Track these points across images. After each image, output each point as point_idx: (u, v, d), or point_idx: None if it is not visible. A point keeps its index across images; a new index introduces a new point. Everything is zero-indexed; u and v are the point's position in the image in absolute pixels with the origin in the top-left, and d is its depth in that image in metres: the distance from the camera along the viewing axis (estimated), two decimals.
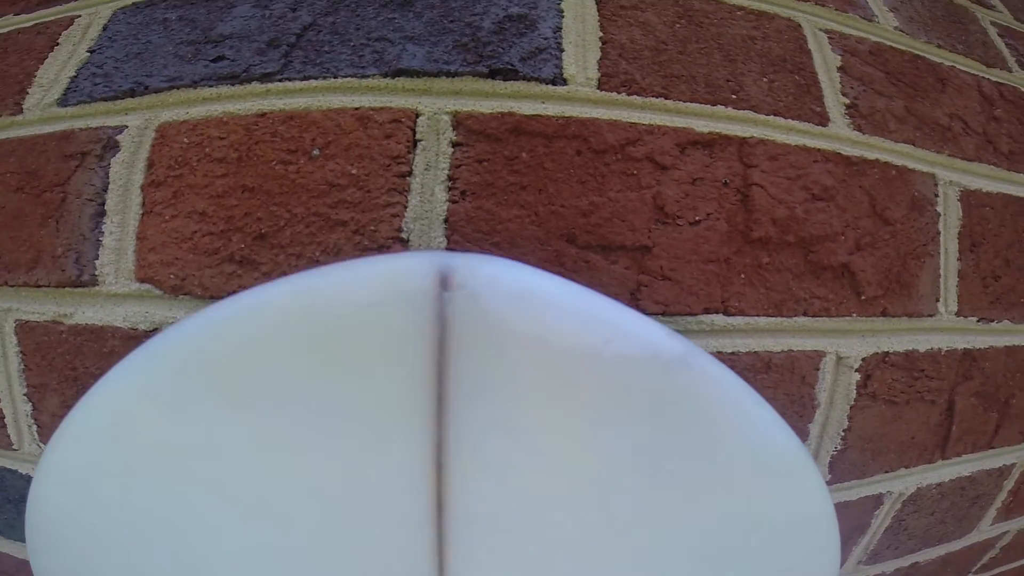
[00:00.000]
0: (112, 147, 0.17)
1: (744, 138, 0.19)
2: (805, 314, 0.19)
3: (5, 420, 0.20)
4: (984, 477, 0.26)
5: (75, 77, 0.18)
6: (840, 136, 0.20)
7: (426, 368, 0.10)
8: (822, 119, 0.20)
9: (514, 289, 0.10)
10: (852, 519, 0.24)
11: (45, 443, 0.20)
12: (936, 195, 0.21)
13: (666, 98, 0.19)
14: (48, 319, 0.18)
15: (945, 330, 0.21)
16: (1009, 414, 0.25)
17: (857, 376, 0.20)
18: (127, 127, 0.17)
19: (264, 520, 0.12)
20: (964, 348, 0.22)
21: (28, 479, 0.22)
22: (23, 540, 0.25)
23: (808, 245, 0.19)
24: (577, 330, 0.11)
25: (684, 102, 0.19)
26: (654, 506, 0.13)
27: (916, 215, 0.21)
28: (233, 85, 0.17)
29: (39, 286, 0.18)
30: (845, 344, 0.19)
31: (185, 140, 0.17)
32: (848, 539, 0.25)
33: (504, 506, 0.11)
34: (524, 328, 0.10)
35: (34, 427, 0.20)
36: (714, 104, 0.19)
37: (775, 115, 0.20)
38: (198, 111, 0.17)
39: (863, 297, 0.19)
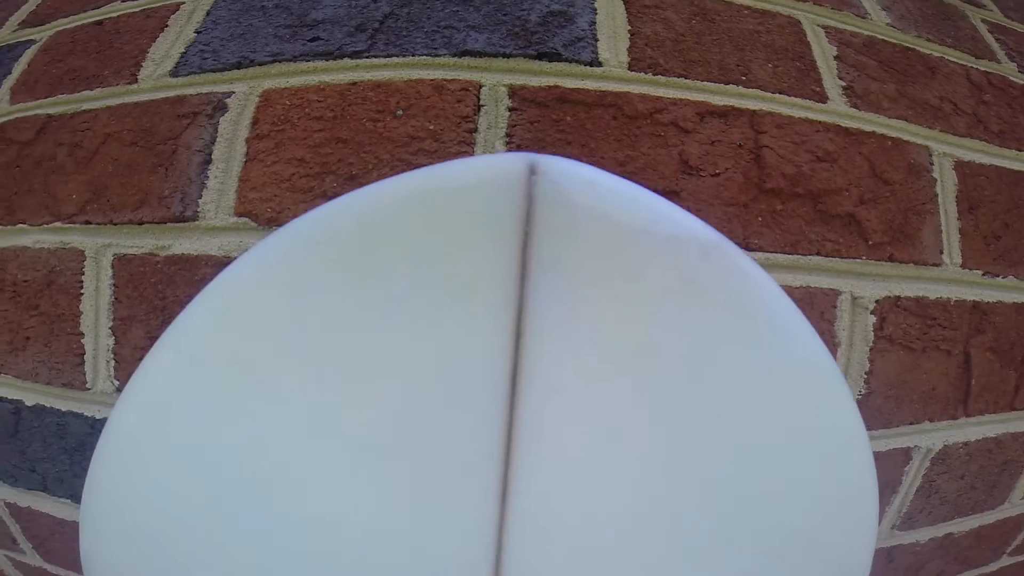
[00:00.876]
0: (221, 108, 0.21)
1: (754, 111, 0.22)
2: (819, 254, 0.21)
3: (84, 357, 0.23)
4: (1011, 441, 0.27)
5: (185, 53, 0.22)
6: (839, 112, 0.24)
7: (515, 238, 0.13)
8: (821, 97, 0.24)
9: (585, 177, 0.13)
10: (883, 474, 0.25)
11: (119, 380, 0.22)
12: (931, 164, 0.24)
13: (686, 78, 0.23)
14: (146, 252, 0.21)
15: (952, 281, 0.24)
16: None
17: (873, 318, 0.22)
18: (234, 92, 0.21)
19: (361, 380, 0.14)
20: (973, 300, 0.24)
21: (92, 424, 0.23)
22: (68, 497, 0.26)
23: (816, 197, 0.22)
24: (632, 210, 0.13)
25: (701, 81, 0.23)
26: (694, 391, 0.15)
27: (914, 179, 0.24)
28: (328, 60, 0.21)
29: (142, 223, 0.21)
30: (859, 285, 0.22)
31: (287, 103, 0.20)
32: (881, 497, 0.26)
33: (570, 372, 0.14)
34: (592, 205, 0.13)
35: (112, 362, 0.23)
36: (727, 83, 0.23)
37: (780, 93, 0.23)
38: (298, 80, 0.21)
39: (870, 243, 0.22)
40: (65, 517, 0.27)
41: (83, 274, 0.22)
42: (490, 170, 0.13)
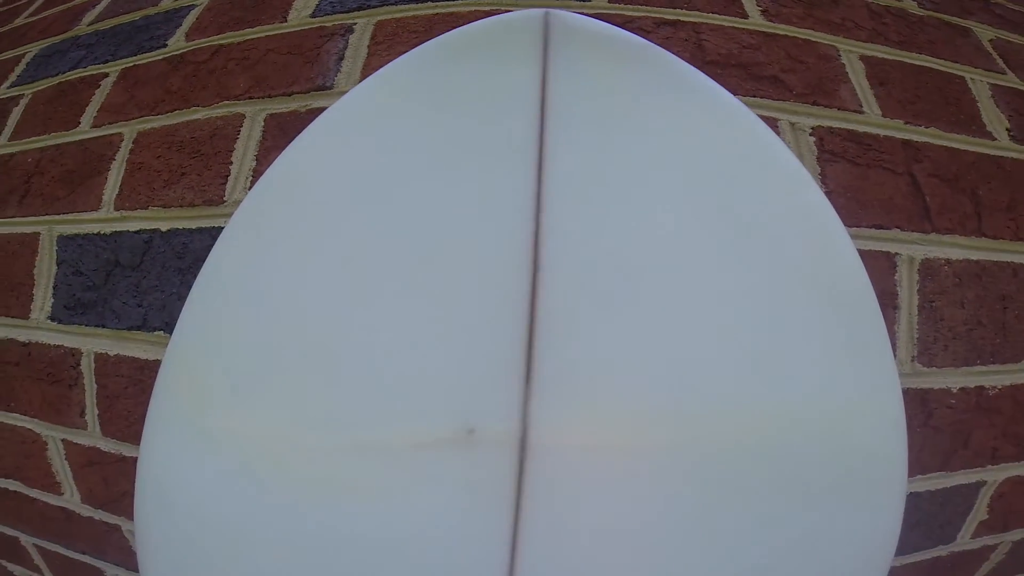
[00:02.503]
0: (350, 30, 0.34)
1: (694, 22, 0.34)
2: (754, 96, 0.30)
3: (228, 178, 0.32)
4: (998, 271, 0.31)
5: (320, 3, 0.37)
6: (757, 23, 0.35)
7: (537, 46, 0.22)
8: (744, 15, 0.36)
9: (589, 17, 0.24)
10: (875, 281, 0.28)
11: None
12: (839, 55, 0.35)
13: (647, 5, 0.36)
14: (291, 110, 0.32)
15: (877, 124, 0.32)
16: (985, 205, 0.32)
17: (813, 138, 0.30)
18: (357, 23, 0.35)
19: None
20: (902, 138, 0.32)
21: (213, 234, 0.31)
22: (163, 328, 0.32)
23: (746, 67, 0.32)
24: (626, 34, 0.23)
25: (655, 6, 0.35)
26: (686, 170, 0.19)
27: (825, 62, 0.34)
28: (417, 4, 0.35)
29: (291, 94, 0.33)
30: (793, 117, 0.30)
31: (393, 26, 0.34)
32: (884, 311, 0.29)
33: (587, 156, 0.19)
34: (596, 27, 0.23)
35: (249, 179, 0.32)
36: (674, 8, 0.35)
37: (712, 12, 0.35)
38: (400, 15, 0.34)
39: (795, 92, 0.31)
40: (149, 357, 0.33)
41: (241, 127, 0.33)
42: (513, 15, 0.23)
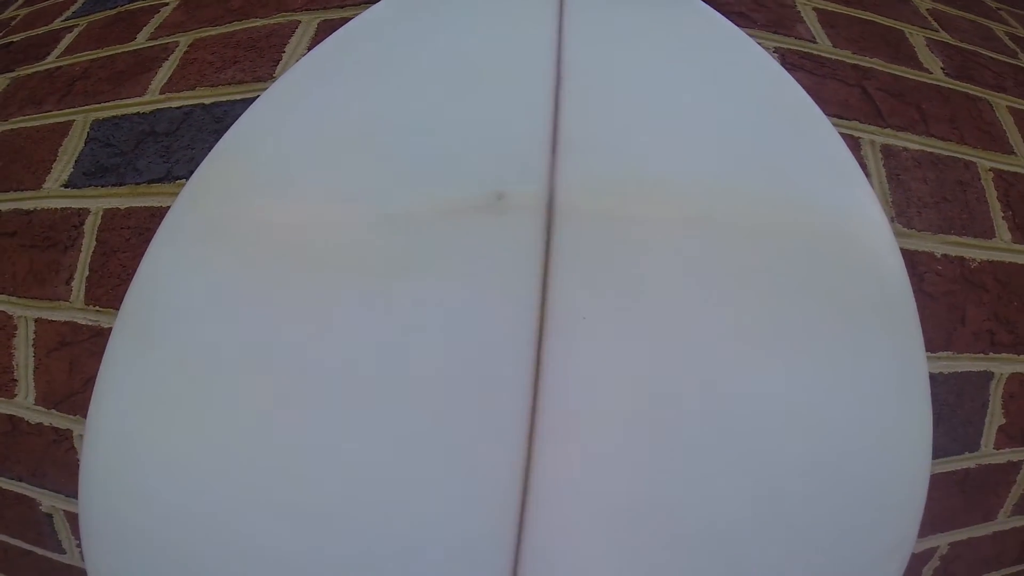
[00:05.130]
0: None
1: None
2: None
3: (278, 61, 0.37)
4: (952, 163, 0.38)
5: None
6: None
7: None
8: None
9: None
10: None
11: None
12: (795, 5, 0.45)
13: None
14: (341, 17, 0.39)
15: (829, 52, 0.41)
16: (930, 115, 0.39)
17: (776, 55, 0.38)
18: None
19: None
20: (851, 62, 0.40)
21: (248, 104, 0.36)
22: (186, 175, 0.35)
23: (718, 5, 0.42)
24: None
25: None
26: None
27: (783, 7, 0.44)
28: None
29: (343, 6, 0.40)
30: (759, 39, 0.39)
31: None
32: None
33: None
34: None
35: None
36: None
37: None
38: None
39: (759, 24, 0.40)
40: (165, 205, 0.35)
41: (296, 29, 0.40)
42: None
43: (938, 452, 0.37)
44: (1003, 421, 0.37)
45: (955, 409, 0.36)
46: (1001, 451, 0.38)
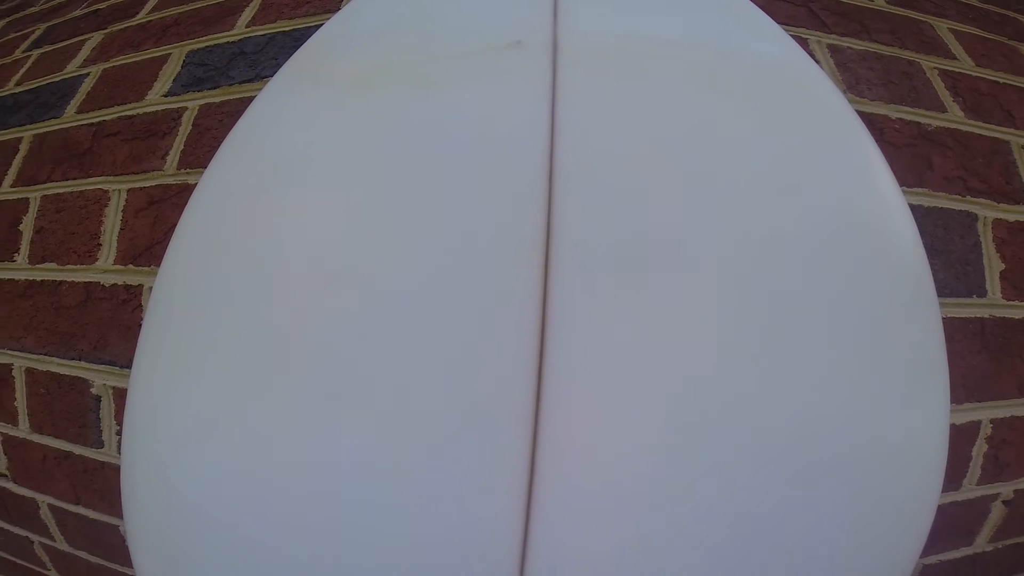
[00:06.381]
0: None
1: None
2: None
3: None
4: (893, 59, 0.47)
5: None
6: None
7: None
8: None
9: None
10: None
11: None
12: None
13: None
14: None
15: None
16: (872, 30, 0.49)
17: None
18: None
19: None
20: None
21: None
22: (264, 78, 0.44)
23: None
24: None
25: None
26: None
27: None
28: None
29: None
30: None
31: None
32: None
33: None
34: None
35: None
36: None
37: None
38: None
39: None
40: (254, 95, 0.43)
41: None
42: None
43: (943, 289, 0.41)
44: (1003, 267, 0.42)
45: (946, 244, 0.41)
46: (1012, 302, 0.41)
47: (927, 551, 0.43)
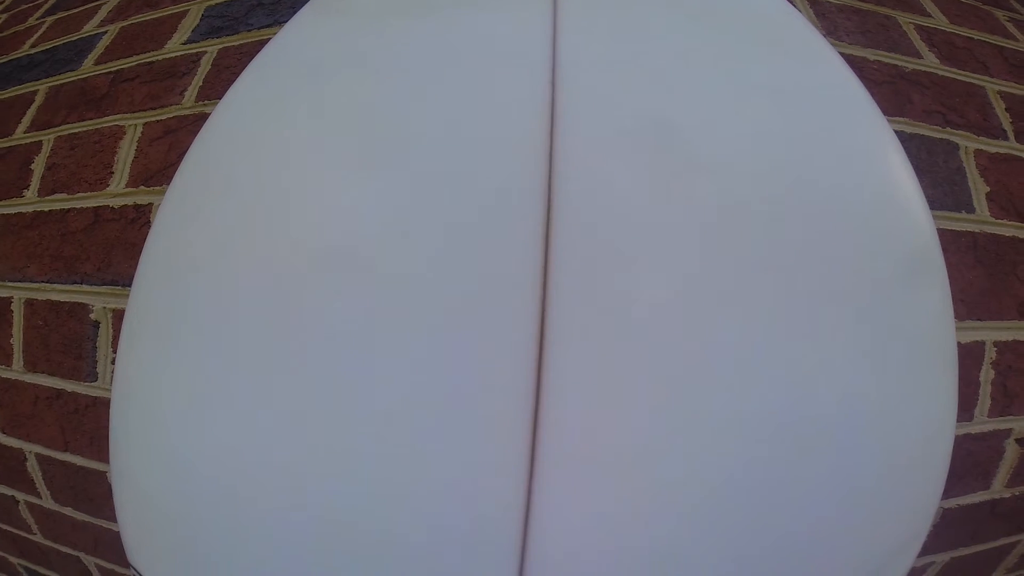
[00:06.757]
0: None
1: None
2: None
3: None
4: (871, 12, 0.51)
5: None
6: None
7: None
8: None
9: None
10: None
11: None
12: None
13: None
14: None
15: None
16: None
17: None
18: None
19: None
20: None
21: None
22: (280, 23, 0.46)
23: None
24: None
25: None
26: None
27: None
28: None
29: None
30: None
31: None
32: None
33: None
34: None
35: None
36: None
37: None
38: None
39: None
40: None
41: None
42: None
43: (933, 203, 0.42)
44: (988, 189, 0.44)
45: (931, 165, 0.43)
46: (1001, 221, 0.42)
47: (946, 493, 0.43)
